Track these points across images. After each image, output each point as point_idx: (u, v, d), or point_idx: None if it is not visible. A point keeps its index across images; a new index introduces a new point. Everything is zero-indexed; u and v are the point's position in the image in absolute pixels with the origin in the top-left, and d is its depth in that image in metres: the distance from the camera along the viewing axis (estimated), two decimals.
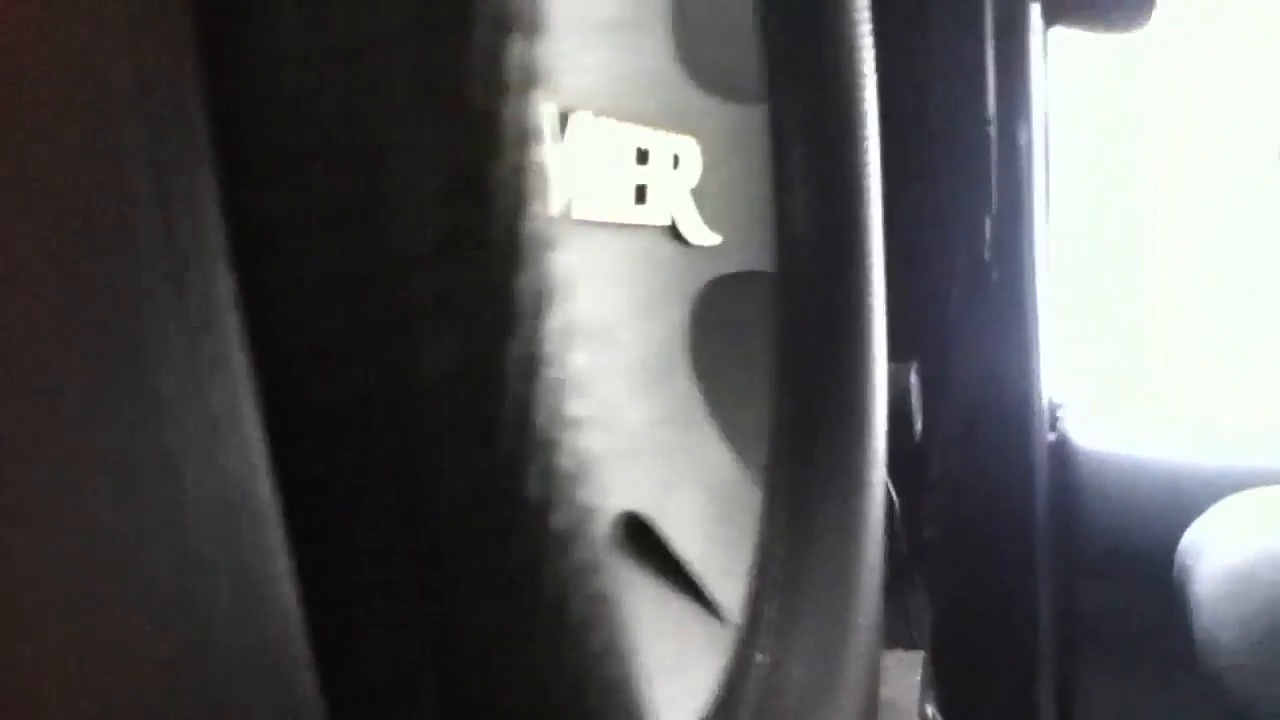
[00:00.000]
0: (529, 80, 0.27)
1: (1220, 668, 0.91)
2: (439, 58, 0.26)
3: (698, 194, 0.54)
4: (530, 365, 0.26)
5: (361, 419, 0.26)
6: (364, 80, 0.25)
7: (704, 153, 0.55)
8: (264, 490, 0.26)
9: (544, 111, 0.30)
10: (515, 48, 0.27)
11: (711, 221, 0.55)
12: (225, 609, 0.26)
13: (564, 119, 0.42)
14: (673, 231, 0.53)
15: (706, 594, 0.46)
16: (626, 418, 0.46)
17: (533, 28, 0.28)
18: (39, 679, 0.24)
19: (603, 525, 0.28)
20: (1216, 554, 1.05)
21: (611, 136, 0.47)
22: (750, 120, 0.58)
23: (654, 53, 0.53)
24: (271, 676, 0.27)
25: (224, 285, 0.26)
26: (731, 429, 0.54)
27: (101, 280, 0.25)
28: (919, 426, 1.21)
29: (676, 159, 0.53)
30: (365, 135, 0.26)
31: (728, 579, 0.49)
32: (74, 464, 0.24)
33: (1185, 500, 1.27)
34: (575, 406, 0.28)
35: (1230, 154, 1.58)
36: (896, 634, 1.10)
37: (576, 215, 0.43)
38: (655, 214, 0.51)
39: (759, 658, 0.45)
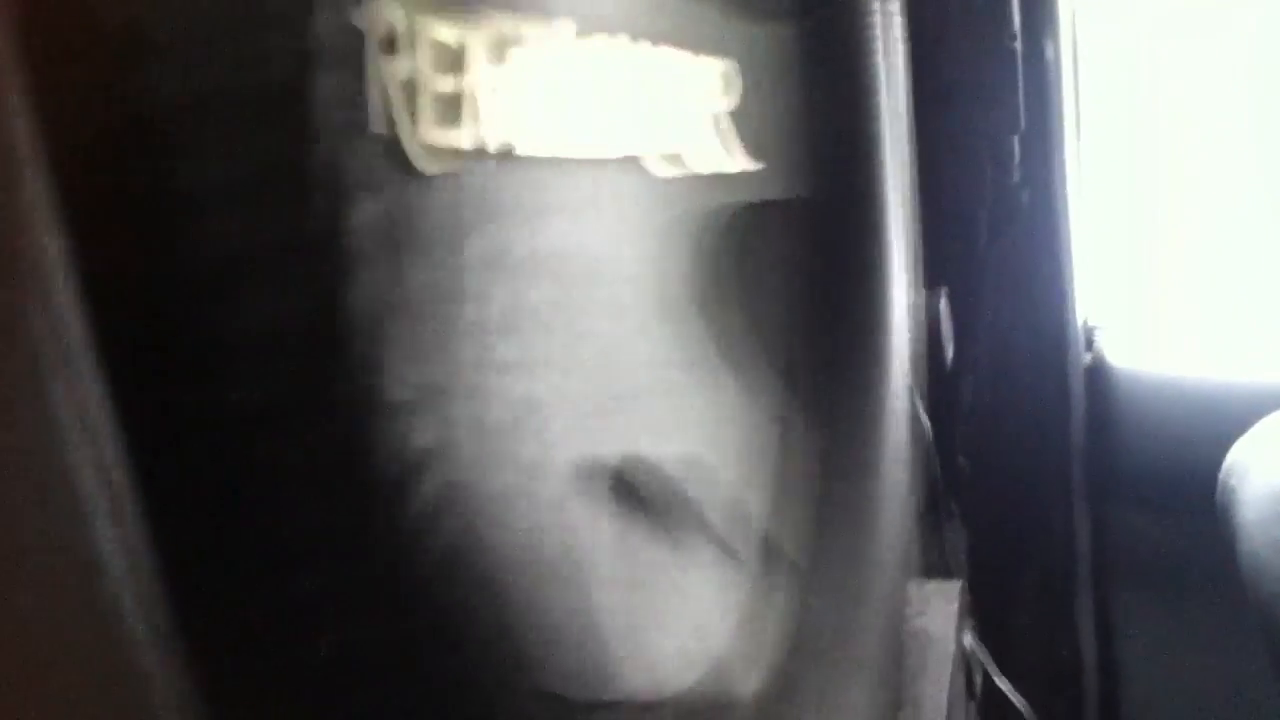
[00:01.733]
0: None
1: (1267, 593, 0.89)
2: None
3: (734, 117, 0.52)
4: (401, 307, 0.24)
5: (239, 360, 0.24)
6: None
7: (741, 75, 0.52)
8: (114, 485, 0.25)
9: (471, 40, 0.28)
10: None
11: (745, 146, 0.53)
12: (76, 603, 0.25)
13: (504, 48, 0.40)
14: (678, 161, 0.51)
15: (723, 536, 0.45)
16: (621, 359, 0.44)
17: None
18: None
19: (558, 480, 0.26)
20: (1261, 474, 1.02)
21: (635, 60, 0.45)
22: (770, 41, 0.56)
23: None
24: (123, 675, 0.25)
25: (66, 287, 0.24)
26: (747, 365, 0.52)
27: None
28: (950, 354, 1.19)
29: (708, 82, 0.51)
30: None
31: (747, 519, 0.47)
32: None
33: (1227, 421, 1.24)
34: (505, 351, 0.26)
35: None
36: (933, 563, 1.09)
37: (533, 148, 0.40)
38: (657, 144, 0.49)
39: (781, 597, 0.44)
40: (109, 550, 0.25)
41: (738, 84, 0.53)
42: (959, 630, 0.91)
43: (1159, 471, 1.39)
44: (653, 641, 0.29)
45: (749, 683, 0.40)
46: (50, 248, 0.24)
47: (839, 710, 0.41)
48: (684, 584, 0.43)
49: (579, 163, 0.44)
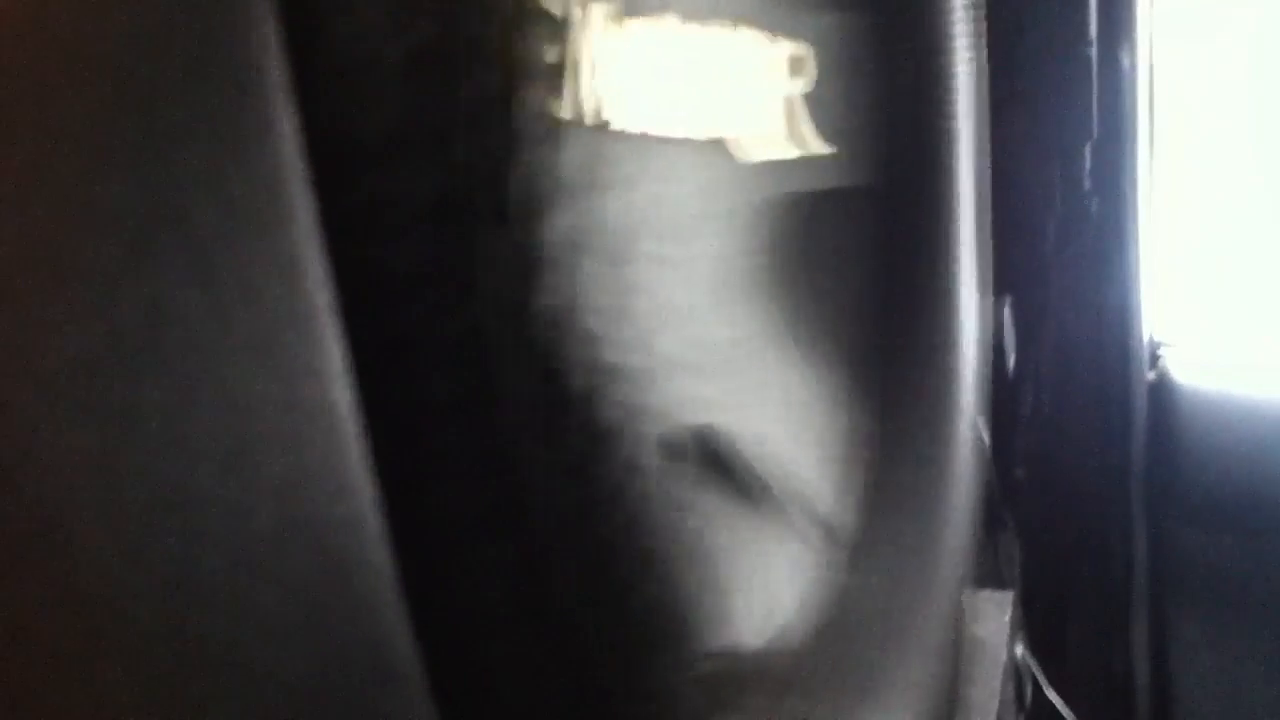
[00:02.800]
0: None
1: None
2: None
3: (809, 101, 0.52)
4: (537, 264, 0.25)
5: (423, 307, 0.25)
6: None
7: (818, 61, 0.52)
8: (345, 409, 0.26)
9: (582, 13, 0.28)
10: None
11: (822, 132, 0.53)
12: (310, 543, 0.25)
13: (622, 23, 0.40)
14: (758, 144, 0.51)
15: (788, 511, 0.45)
16: (698, 332, 0.44)
17: None
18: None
19: (658, 427, 0.27)
20: None
21: (708, 42, 0.45)
22: (850, 30, 0.55)
23: None
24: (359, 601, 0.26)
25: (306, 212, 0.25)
26: (818, 348, 0.52)
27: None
28: (1012, 363, 1.18)
29: (789, 66, 0.51)
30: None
31: (810, 498, 0.47)
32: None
33: None
34: (587, 320, 0.27)
35: None
36: (986, 573, 1.08)
37: (626, 123, 0.40)
38: (740, 126, 0.49)
39: (839, 576, 0.44)
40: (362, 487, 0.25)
41: (813, 68, 0.53)
42: (1010, 640, 0.90)
43: (1221, 491, 1.37)
44: (733, 600, 0.30)
45: (799, 644, 0.41)
46: (305, 197, 0.25)
47: (886, 688, 0.41)
48: (754, 550, 0.43)
49: (668, 141, 0.44)
